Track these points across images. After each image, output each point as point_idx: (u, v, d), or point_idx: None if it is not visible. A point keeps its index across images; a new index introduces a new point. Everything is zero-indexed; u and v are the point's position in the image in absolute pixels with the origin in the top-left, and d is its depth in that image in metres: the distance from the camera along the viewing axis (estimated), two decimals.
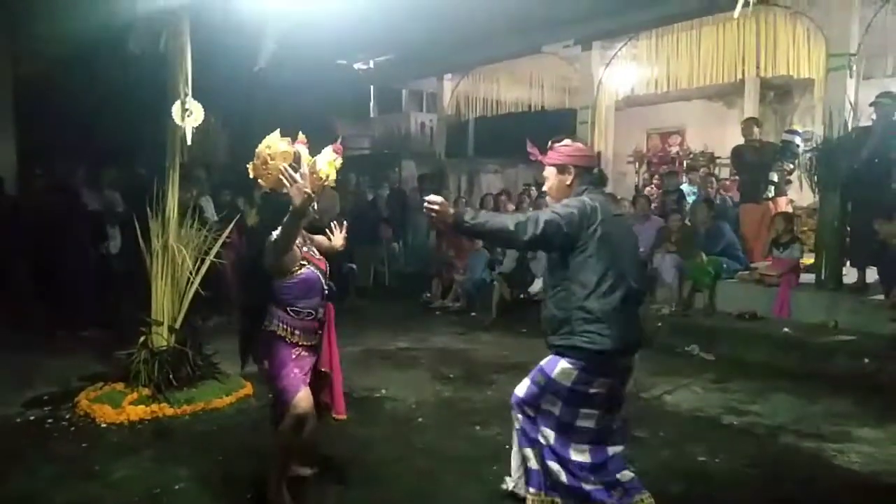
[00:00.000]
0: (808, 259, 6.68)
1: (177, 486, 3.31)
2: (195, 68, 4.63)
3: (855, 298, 5.89)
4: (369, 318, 7.74)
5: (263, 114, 12.01)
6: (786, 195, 7.56)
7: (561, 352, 2.76)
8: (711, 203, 7.03)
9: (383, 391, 4.91)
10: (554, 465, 2.79)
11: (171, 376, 4.40)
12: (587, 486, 2.75)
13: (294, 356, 2.96)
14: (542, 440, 2.84)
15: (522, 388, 2.90)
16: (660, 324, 6.54)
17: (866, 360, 5.13)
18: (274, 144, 2.97)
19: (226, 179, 9.05)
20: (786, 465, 3.65)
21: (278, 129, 3.04)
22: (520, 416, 2.91)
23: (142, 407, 4.24)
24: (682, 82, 7.55)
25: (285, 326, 2.95)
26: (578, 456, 2.77)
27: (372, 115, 14.89)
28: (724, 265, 6.63)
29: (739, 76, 7.43)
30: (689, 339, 6.14)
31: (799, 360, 5.43)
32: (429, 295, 8.64)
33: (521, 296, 7.45)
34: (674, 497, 3.23)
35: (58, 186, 6.94)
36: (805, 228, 7.70)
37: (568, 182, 2.85)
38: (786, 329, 5.86)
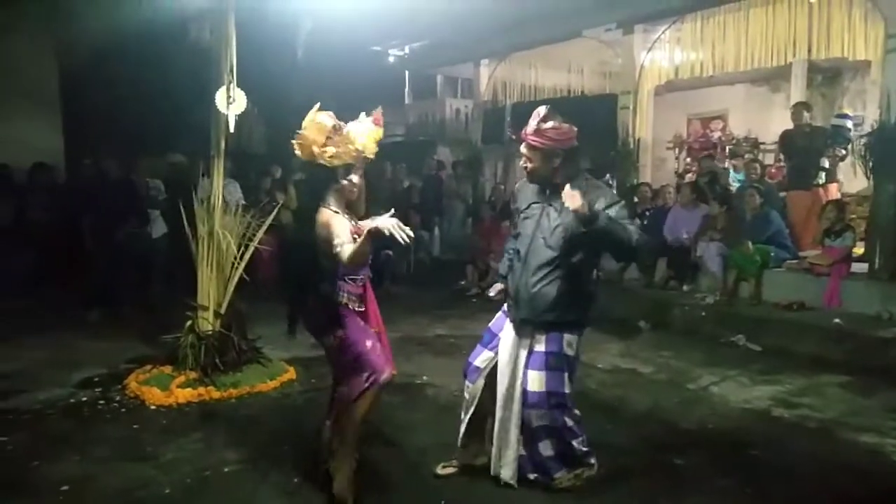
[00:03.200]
0: (857, 249, 6.47)
1: (226, 469, 3.35)
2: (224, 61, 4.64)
3: None
4: (405, 305, 7.74)
5: (299, 102, 12.11)
6: (836, 182, 7.32)
7: (564, 328, 2.95)
8: (760, 189, 6.83)
9: (424, 378, 4.90)
10: (582, 446, 3.02)
11: (217, 360, 4.46)
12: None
13: (363, 324, 2.98)
14: (567, 420, 3.00)
15: (544, 382, 2.94)
16: (703, 313, 6.41)
17: None
18: (312, 119, 2.94)
19: (265, 167, 9.15)
20: (842, 460, 3.53)
21: (318, 104, 3.00)
22: (548, 411, 2.95)
23: (189, 390, 4.30)
24: (728, 66, 7.33)
25: (348, 295, 2.97)
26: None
27: (406, 101, 14.84)
28: (773, 254, 6.45)
29: (789, 59, 7.17)
30: (735, 330, 6.01)
31: (851, 352, 5.26)
32: (464, 282, 8.60)
33: None
34: (725, 491, 3.16)
35: (104, 173, 7.08)
36: (854, 217, 7.44)
37: (556, 165, 2.89)
38: (837, 320, 5.68)
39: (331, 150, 2.89)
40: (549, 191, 2.95)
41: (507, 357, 3.01)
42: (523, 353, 2.99)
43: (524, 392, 2.96)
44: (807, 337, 5.60)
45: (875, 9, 5.95)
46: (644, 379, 4.99)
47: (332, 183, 2.94)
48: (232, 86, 4.47)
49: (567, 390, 2.99)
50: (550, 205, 2.93)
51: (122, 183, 7.00)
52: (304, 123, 2.95)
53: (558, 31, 8.66)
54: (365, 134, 2.95)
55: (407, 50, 12.27)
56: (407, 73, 14.07)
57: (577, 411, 3.06)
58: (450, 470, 3.23)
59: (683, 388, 4.72)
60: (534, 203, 3.02)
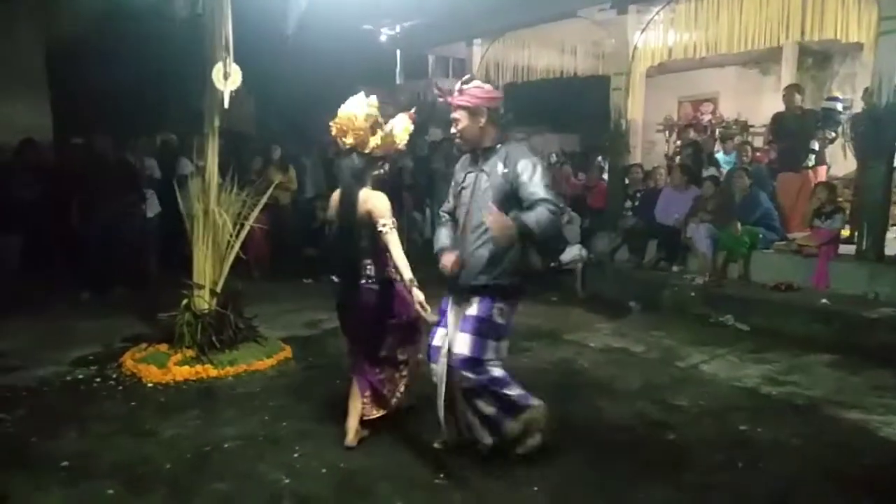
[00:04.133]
0: (845, 231, 6.56)
1: (226, 445, 3.39)
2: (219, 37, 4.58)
3: None
4: None
5: (288, 80, 11.98)
6: (825, 164, 7.40)
7: (494, 293, 2.99)
8: (748, 171, 6.89)
9: (419, 356, 4.92)
10: (514, 392, 3.06)
11: (213, 338, 4.48)
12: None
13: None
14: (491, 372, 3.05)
15: (468, 345, 3.00)
16: (693, 293, 6.49)
17: None
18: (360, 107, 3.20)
19: (254, 146, 9.09)
20: (829, 435, 3.61)
21: (361, 93, 3.23)
22: (471, 375, 3.01)
23: (186, 368, 4.32)
24: (721, 47, 7.32)
25: (393, 271, 3.23)
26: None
27: (398, 81, 14.72)
28: (761, 235, 6.53)
29: (782, 41, 7.19)
30: (724, 310, 6.09)
31: (838, 331, 5.36)
32: None
33: (553, 264, 7.41)
34: (718, 465, 3.24)
35: (96, 151, 7.00)
36: (841, 199, 7.54)
37: (481, 124, 2.98)
38: (824, 300, 5.78)
39: (375, 140, 3.21)
40: (481, 157, 3.06)
41: (451, 326, 3.11)
42: (460, 319, 3.08)
43: (450, 353, 3.06)
44: (795, 317, 5.69)
45: None
46: (636, 358, 5.06)
47: (370, 169, 3.26)
48: (228, 60, 4.42)
49: (491, 356, 3.03)
50: (482, 170, 3.03)
51: (116, 161, 6.94)
52: (353, 110, 3.18)
53: (552, 10, 8.60)
54: (403, 129, 3.33)
55: (398, 29, 12.14)
56: (398, 52, 13.94)
57: (500, 371, 3.09)
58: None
59: (674, 367, 4.80)
60: (468, 173, 3.13)
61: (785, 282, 6.20)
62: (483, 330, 3.00)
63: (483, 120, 2.98)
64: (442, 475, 3.05)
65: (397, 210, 10.08)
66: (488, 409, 3.08)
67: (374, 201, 3.17)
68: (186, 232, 4.66)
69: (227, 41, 4.49)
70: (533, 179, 2.90)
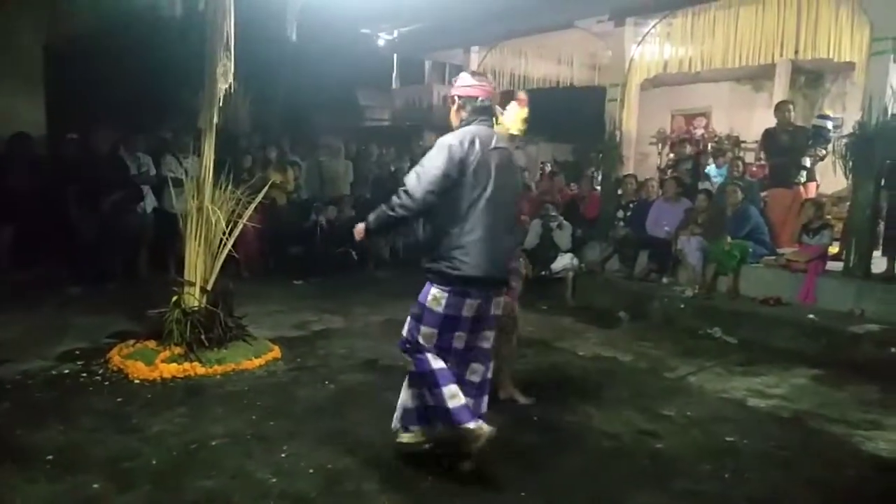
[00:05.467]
0: (833, 247, 6.63)
1: (213, 443, 3.37)
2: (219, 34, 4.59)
3: (883, 288, 5.84)
4: (389, 288, 7.76)
5: (286, 81, 11.99)
6: (815, 181, 7.49)
7: (430, 278, 3.03)
8: (741, 185, 6.96)
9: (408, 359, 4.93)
10: (447, 390, 2.96)
11: (202, 336, 4.45)
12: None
13: None
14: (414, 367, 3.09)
15: (404, 328, 3.15)
16: (682, 305, 6.54)
17: (893, 350, 5.11)
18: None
19: (249, 145, 9.07)
20: (813, 448, 3.65)
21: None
22: (409, 357, 3.11)
23: (174, 365, 4.29)
24: (715, 62, 7.41)
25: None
26: (470, 374, 3.15)
27: (394, 86, 14.77)
28: (751, 249, 6.59)
29: (776, 58, 7.29)
30: (712, 322, 6.13)
31: (824, 347, 5.42)
32: None
33: (543, 273, 7.44)
34: (705, 474, 3.26)
35: (90, 147, 6.98)
36: (829, 216, 7.62)
37: (455, 110, 3.15)
38: (811, 316, 5.83)
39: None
40: None
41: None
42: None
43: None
44: (782, 331, 5.74)
45: (861, 11, 6.06)
46: (625, 367, 5.08)
47: None
48: (228, 58, 4.42)
49: (418, 340, 3.05)
50: None
51: (108, 157, 6.91)
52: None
53: (550, 20, 8.68)
54: (518, 119, 3.43)
55: (396, 34, 12.18)
56: (395, 57, 13.98)
57: (431, 365, 3.02)
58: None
59: (662, 377, 4.83)
60: None
61: (773, 296, 6.26)
62: (413, 311, 3.15)
63: (456, 107, 3.14)
64: (430, 478, 3.05)
65: None
66: (407, 402, 3.21)
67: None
68: (175, 229, 4.64)
69: (228, 38, 4.49)
70: (417, 165, 3.04)
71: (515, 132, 3.42)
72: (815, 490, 3.13)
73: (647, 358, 5.32)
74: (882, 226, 6.10)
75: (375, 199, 9.81)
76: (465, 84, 3.13)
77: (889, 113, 5.79)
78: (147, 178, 7.19)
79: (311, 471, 3.09)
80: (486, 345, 3.18)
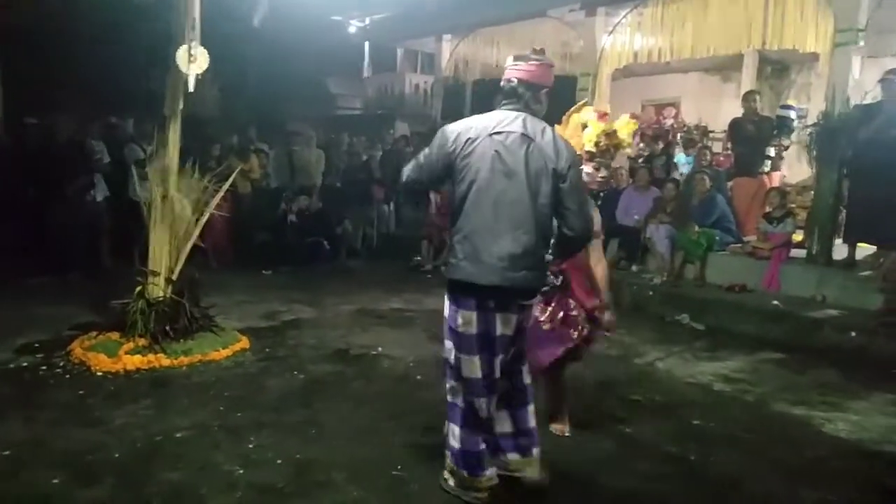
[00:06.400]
0: (797, 235, 6.77)
1: (178, 434, 3.31)
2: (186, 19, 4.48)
3: (844, 274, 5.98)
4: (361, 279, 7.75)
5: (256, 68, 11.79)
6: (780, 170, 7.62)
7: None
8: (709, 174, 7.06)
9: (379, 349, 4.92)
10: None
11: (167, 327, 4.36)
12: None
13: None
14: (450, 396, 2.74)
15: None
16: (651, 293, 6.62)
17: (853, 334, 5.24)
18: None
19: (215, 134, 8.90)
20: (777, 430, 3.74)
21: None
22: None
23: (138, 357, 4.20)
24: (685, 53, 7.49)
25: None
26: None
27: (366, 74, 14.63)
28: (717, 238, 6.69)
29: (744, 48, 7.39)
30: (680, 309, 6.23)
31: (787, 332, 5.53)
32: (419, 258, 8.62)
33: None
34: (673, 457, 3.31)
35: (48, 130, 6.77)
36: (794, 205, 7.78)
37: None
38: (775, 302, 5.96)
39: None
40: None
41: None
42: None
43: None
44: (747, 317, 5.86)
45: (826, 3, 6.16)
46: (594, 354, 5.08)
47: None
48: (194, 43, 4.31)
49: (447, 357, 2.74)
50: None
51: (67, 143, 6.71)
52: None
53: (522, 8, 8.68)
54: (626, 132, 3.18)
55: (368, 21, 12.06)
56: (367, 44, 13.85)
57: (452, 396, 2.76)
58: None
59: (632, 364, 4.89)
60: None
61: (739, 283, 6.38)
62: None
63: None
64: (399, 467, 3.04)
65: (367, 202, 10.03)
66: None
67: None
68: (137, 218, 4.53)
69: (195, 23, 4.38)
70: None
71: (590, 148, 3.08)
72: (776, 471, 3.20)
73: (618, 344, 5.35)
74: (844, 214, 6.24)
75: (347, 188, 9.76)
76: (506, 67, 2.74)
77: (851, 104, 5.91)
78: (100, 165, 6.99)
79: (279, 461, 3.06)
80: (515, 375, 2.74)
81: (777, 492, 3.02)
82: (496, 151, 2.51)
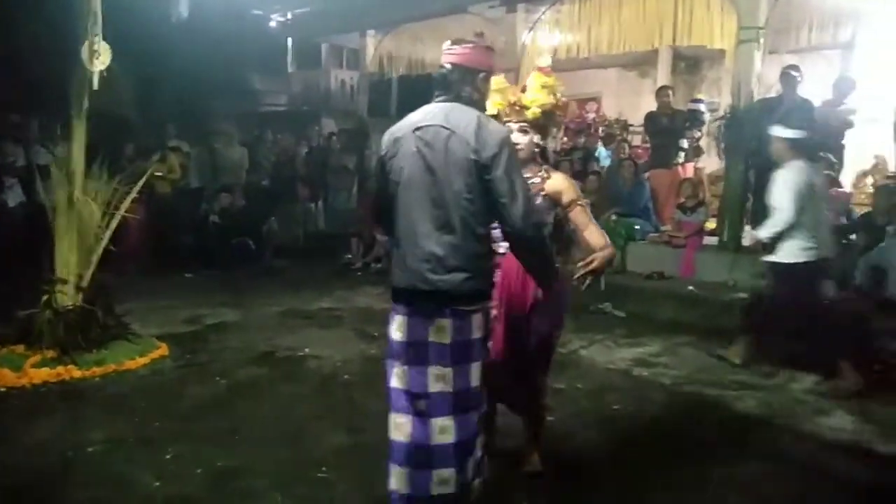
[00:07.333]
0: (710, 223, 7.12)
1: (90, 450, 3.17)
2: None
3: (752, 260, 6.31)
4: (289, 278, 7.60)
5: (175, 64, 11.33)
6: (693, 162, 7.98)
7: None
8: (635, 162, 7.32)
9: (306, 350, 4.85)
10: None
11: (78, 337, 4.16)
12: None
13: None
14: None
15: None
16: (575, 283, 6.79)
17: (759, 315, 5.54)
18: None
19: (129, 133, 8.52)
20: (692, 410, 3.93)
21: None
22: None
23: (46, 369, 3.99)
24: (602, 48, 7.70)
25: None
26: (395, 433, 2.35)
27: (289, 70, 14.33)
28: (637, 227, 6.94)
29: (657, 44, 7.67)
30: (602, 298, 6.42)
31: (702, 315, 5.79)
32: (350, 256, 8.54)
33: None
34: (591, 443, 3.43)
35: None
36: (708, 194, 8.16)
37: None
38: (690, 287, 6.24)
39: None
40: None
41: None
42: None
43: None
44: (665, 303, 6.11)
45: (730, 1, 6.46)
46: None
47: None
48: (97, 39, 4.11)
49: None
50: None
51: None
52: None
53: (444, 5, 8.71)
54: (536, 88, 2.84)
55: (290, 16, 11.80)
56: (290, 40, 13.55)
57: None
58: None
59: (556, 352, 5.00)
60: None
61: (657, 271, 6.64)
62: None
63: None
64: (324, 469, 3.02)
65: (291, 200, 9.81)
66: None
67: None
68: (45, 223, 4.29)
69: (96, 17, 4.17)
70: None
71: (532, 115, 2.78)
72: (691, 451, 3.36)
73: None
74: (751, 202, 6.58)
75: (273, 186, 9.55)
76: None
77: (754, 97, 6.25)
78: (12, 168, 6.60)
79: (198, 471, 2.98)
80: (437, 388, 2.28)
81: (689, 471, 3.15)
82: (417, 148, 2.31)
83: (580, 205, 2.85)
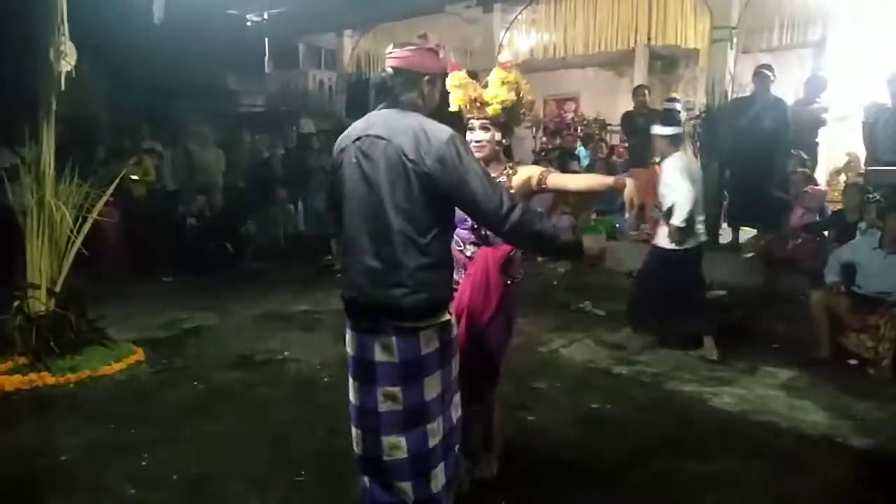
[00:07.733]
0: None
1: (64, 457, 3.11)
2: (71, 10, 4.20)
3: (729, 257, 6.41)
4: (268, 281, 7.52)
5: (150, 64, 11.18)
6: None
7: None
8: (612, 163, 7.37)
9: (286, 353, 4.81)
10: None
11: (51, 343, 4.08)
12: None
13: None
14: None
15: None
16: (555, 282, 6.83)
17: (738, 312, 5.62)
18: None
19: (101, 135, 8.39)
20: (669, 408, 3.95)
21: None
22: None
23: (18, 376, 3.92)
24: (578, 48, 7.76)
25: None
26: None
27: (266, 70, 14.22)
28: (617, 225, 6.99)
29: (632, 44, 7.74)
30: (583, 297, 6.46)
31: None
32: (329, 258, 8.48)
33: None
34: (572, 441, 3.44)
35: None
36: None
37: None
38: None
39: None
40: None
41: None
42: None
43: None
44: None
45: (702, 1, 6.55)
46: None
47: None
48: (63, 39, 4.03)
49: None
50: None
51: None
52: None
53: (421, 4, 8.70)
54: (496, 84, 2.68)
55: (266, 16, 11.72)
56: (266, 40, 13.46)
57: None
58: None
59: (536, 352, 5.02)
60: None
61: (636, 269, 6.67)
62: None
63: None
64: (303, 472, 2.99)
65: (269, 201, 9.67)
66: None
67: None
68: (15, 228, 4.21)
69: (63, 17, 4.10)
70: None
71: (493, 112, 2.65)
72: (668, 448, 3.38)
73: (522, 333, 5.43)
74: (727, 200, 6.67)
75: (250, 187, 9.45)
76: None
77: (728, 96, 6.33)
78: None
79: (174, 477, 2.95)
80: (385, 408, 2.20)
81: (667, 469, 3.18)
82: (356, 159, 2.19)
83: (549, 171, 2.77)
